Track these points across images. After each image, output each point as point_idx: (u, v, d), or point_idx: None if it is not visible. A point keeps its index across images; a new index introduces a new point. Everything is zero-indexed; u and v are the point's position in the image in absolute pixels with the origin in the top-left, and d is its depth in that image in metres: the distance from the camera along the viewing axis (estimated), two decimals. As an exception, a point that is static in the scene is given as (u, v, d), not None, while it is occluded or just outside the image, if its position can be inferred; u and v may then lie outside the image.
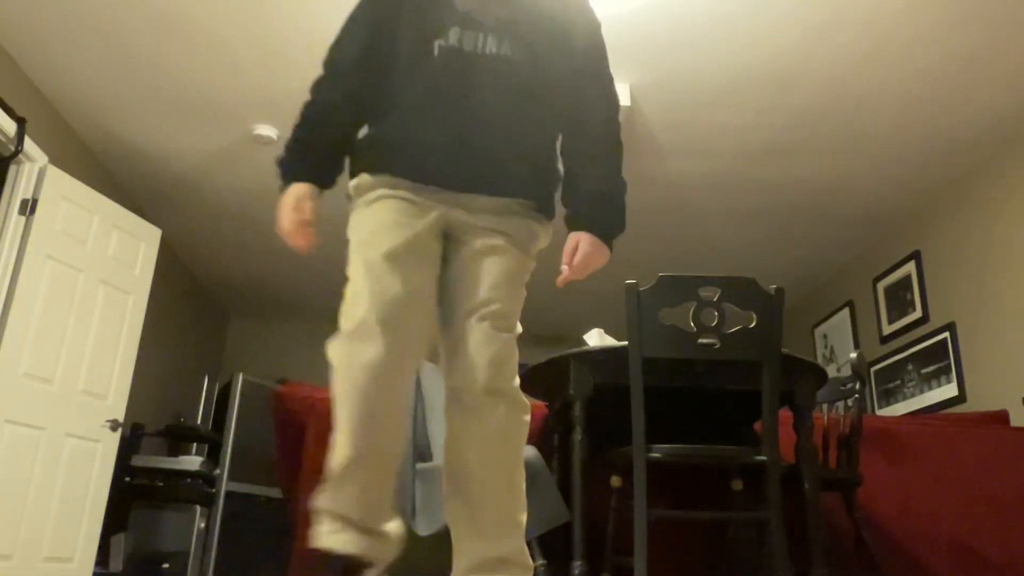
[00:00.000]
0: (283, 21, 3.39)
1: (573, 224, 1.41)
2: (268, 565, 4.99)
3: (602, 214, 1.40)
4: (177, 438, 5.69)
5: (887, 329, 5.06)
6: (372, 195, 1.36)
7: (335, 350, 1.27)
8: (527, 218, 1.42)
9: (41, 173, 3.87)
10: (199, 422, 6.04)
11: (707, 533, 2.70)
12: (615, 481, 2.38)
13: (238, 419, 5.45)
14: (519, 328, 1.39)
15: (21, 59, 3.71)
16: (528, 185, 1.41)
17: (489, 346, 1.29)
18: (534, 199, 1.42)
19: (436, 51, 1.35)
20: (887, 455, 2.89)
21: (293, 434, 2.75)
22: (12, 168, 3.84)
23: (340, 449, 1.25)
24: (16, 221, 3.78)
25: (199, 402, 6.17)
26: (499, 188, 1.38)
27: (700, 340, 2.16)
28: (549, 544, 2.35)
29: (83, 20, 3.41)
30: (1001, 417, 3.25)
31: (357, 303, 1.27)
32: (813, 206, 4.86)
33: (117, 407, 4.24)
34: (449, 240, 1.38)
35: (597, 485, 2.31)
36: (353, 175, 1.42)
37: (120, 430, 4.24)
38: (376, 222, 1.33)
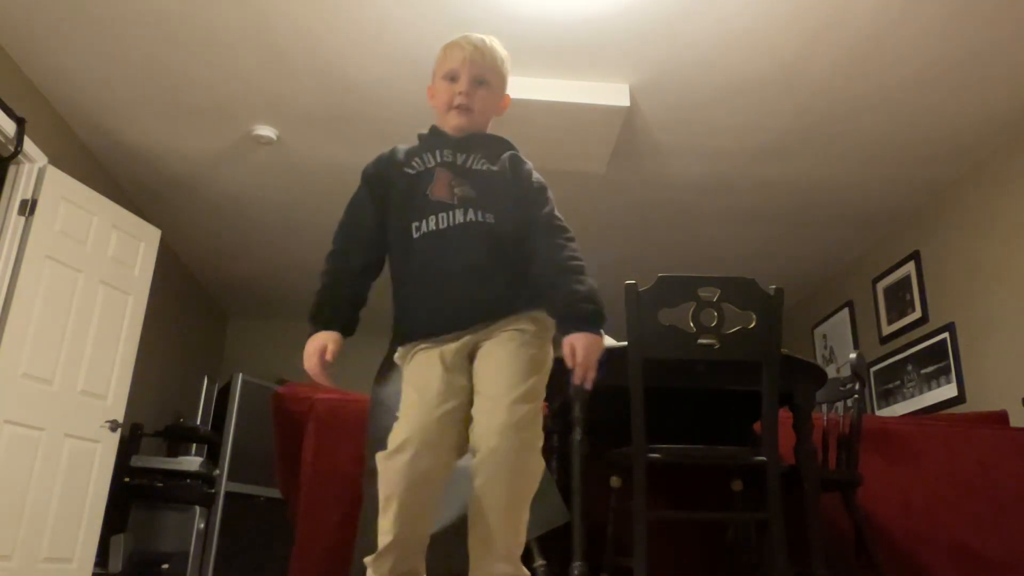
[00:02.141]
0: (282, 22, 3.38)
1: (564, 330, 1.65)
2: (268, 565, 4.99)
3: (584, 312, 1.64)
4: (176, 438, 5.70)
5: (887, 329, 5.06)
6: (409, 356, 1.71)
7: (381, 460, 1.60)
8: (530, 315, 1.70)
9: (41, 173, 3.87)
10: (199, 422, 6.04)
11: (707, 534, 2.70)
12: (615, 481, 2.38)
13: (238, 419, 5.45)
14: (542, 399, 1.64)
15: (21, 59, 3.70)
16: (516, 302, 1.70)
17: (511, 415, 1.55)
18: (524, 309, 1.70)
19: (415, 233, 1.71)
20: (887, 455, 2.89)
21: (293, 434, 2.75)
22: (12, 168, 3.84)
23: (384, 535, 1.59)
24: (16, 221, 3.78)
25: (199, 402, 6.17)
26: (495, 315, 1.68)
27: (700, 340, 2.16)
28: (549, 544, 2.34)
29: (83, 21, 3.41)
30: (1001, 417, 3.25)
31: (399, 430, 1.59)
32: (812, 206, 4.86)
33: (116, 407, 4.24)
34: (472, 346, 1.68)
35: (597, 485, 2.31)
36: (395, 348, 1.77)
37: (119, 430, 4.24)
38: (414, 373, 1.68)
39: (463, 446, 1.61)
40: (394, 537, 1.58)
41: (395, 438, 1.59)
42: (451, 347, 1.66)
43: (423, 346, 1.69)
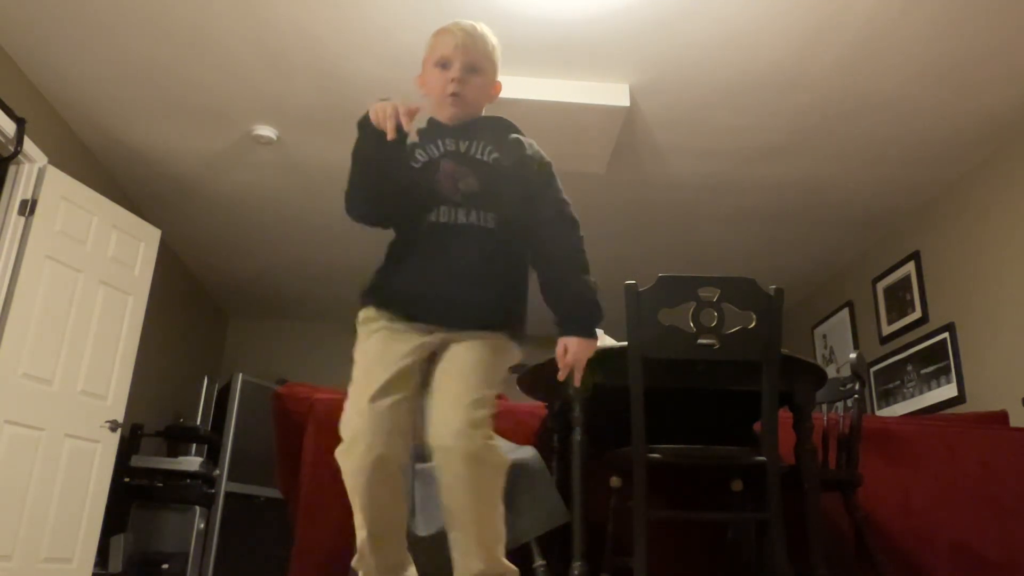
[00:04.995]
0: (281, 22, 3.38)
1: (560, 330, 1.70)
2: (268, 565, 4.98)
3: (581, 317, 1.69)
4: (176, 438, 5.70)
5: (887, 329, 5.06)
6: (375, 326, 1.69)
7: (339, 456, 1.59)
8: (500, 336, 1.70)
9: (41, 173, 3.87)
10: (199, 422, 6.04)
11: (707, 534, 2.70)
12: (615, 481, 2.38)
13: (238, 419, 5.45)
14: (494, 404, 1.64)
15: (21, 59, 3.70)
16: (498, 321, 1.69)
17: (470, 414, 1.54)
18: (504, 331, 1.70)
19: (423, 225, 1.71)
20: (887, 455, 2.89)
21: (292, 434, 2.75)
22: (12, 168, 3.84)
23: (359, 530, 1.59)
24: (16, 221, 3.78)
25: (199, 402, 6.16)
26: (473, 324, 1.67)
27: (700, 340, 2.16)
28: (549, 544, 2.34)
29: (83, 21, 3.41)
30: (1001, 417, 3.25)
31: (351, 420, 1.59)
32: (813, 207, 4.86)
33: (116, 408, 4.24)
34: (439, 345, 1.68)
35: (597, 485, 2.31)
36: (361, 308, 1.73)
37: (119, 430, 4.24)
38: (375, 350, 1.66)
39: (415, 431, 1.61)
40: (368, 530, 1.58)
41: (345, 428, 1.59)
42: (421, 337, 1.65)
43: (393, 326, 1.67)
